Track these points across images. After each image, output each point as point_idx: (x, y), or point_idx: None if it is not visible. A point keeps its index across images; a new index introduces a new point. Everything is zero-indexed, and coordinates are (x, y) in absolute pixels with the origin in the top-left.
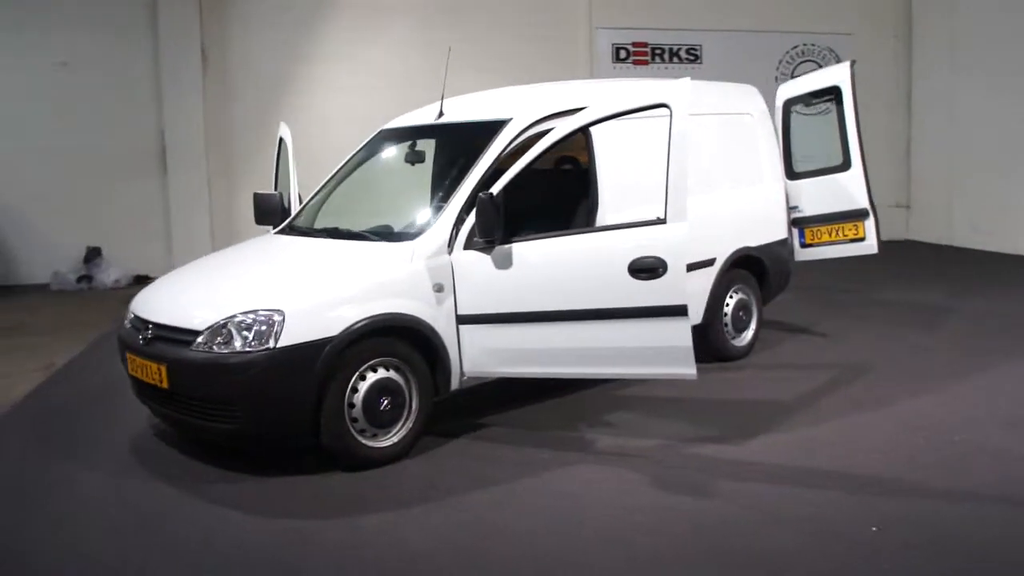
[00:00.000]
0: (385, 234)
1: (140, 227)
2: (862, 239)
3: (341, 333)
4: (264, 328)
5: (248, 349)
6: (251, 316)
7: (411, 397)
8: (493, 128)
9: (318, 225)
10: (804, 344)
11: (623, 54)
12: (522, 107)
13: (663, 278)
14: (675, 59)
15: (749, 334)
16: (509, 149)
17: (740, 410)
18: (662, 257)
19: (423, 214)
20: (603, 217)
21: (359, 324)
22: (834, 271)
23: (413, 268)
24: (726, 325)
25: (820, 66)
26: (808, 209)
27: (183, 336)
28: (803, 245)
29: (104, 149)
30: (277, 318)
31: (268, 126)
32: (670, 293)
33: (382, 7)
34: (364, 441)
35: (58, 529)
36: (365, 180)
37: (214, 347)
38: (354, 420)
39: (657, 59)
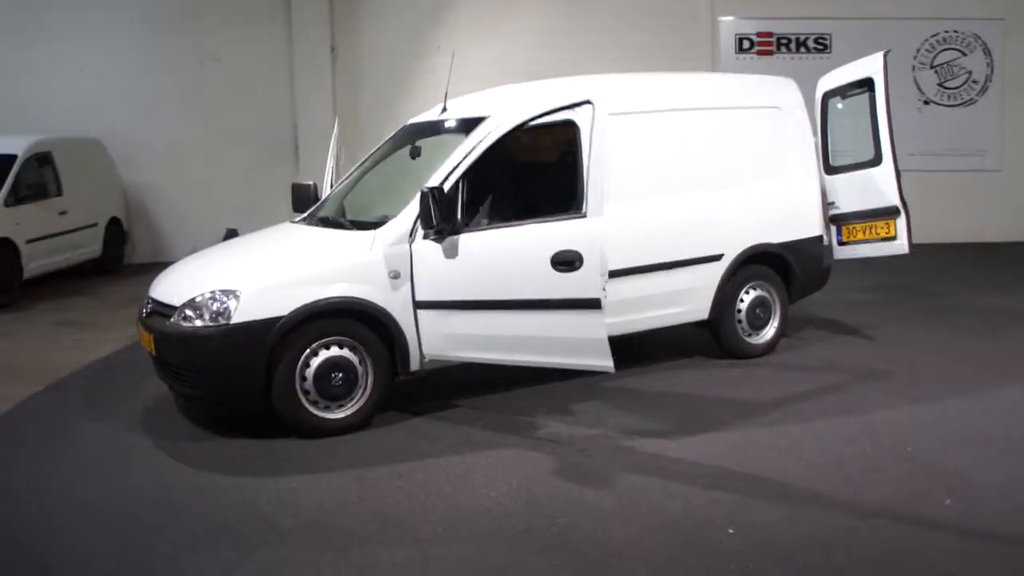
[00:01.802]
0: (362, 223)
1: (273, 210)
2: (893, 238)
3: (290, 313)
4: (222, 306)
5: (209, 324)
6: (214, 294)
7: (366, 374)
8: (471, 125)
9: (324, 214)
10: (841, 345)
11: (746, 44)
12: (502, 105)
13: (580, 271)
14: (802, 49)
15: (769, 332)
16: (488, 144)
17: (707, 407)
18: (578, 251)
19: (397, 205)
20: (590, 210)
21: (308, 305)
22: (936, 270)
23: (372, 255)
24: (740, 322)
25: (964, 55)
26: (844, 206)
27: (167, 311)
28: (840, 243)
29: (244, 138)
30: (234, 297)
31: (395, 116)
32: (585, 286)
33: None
34: (316, 412)
35: (47, 464)
36: (381, 172)
37: (184, 321)
38: (307, 392)
39: (783, 49)
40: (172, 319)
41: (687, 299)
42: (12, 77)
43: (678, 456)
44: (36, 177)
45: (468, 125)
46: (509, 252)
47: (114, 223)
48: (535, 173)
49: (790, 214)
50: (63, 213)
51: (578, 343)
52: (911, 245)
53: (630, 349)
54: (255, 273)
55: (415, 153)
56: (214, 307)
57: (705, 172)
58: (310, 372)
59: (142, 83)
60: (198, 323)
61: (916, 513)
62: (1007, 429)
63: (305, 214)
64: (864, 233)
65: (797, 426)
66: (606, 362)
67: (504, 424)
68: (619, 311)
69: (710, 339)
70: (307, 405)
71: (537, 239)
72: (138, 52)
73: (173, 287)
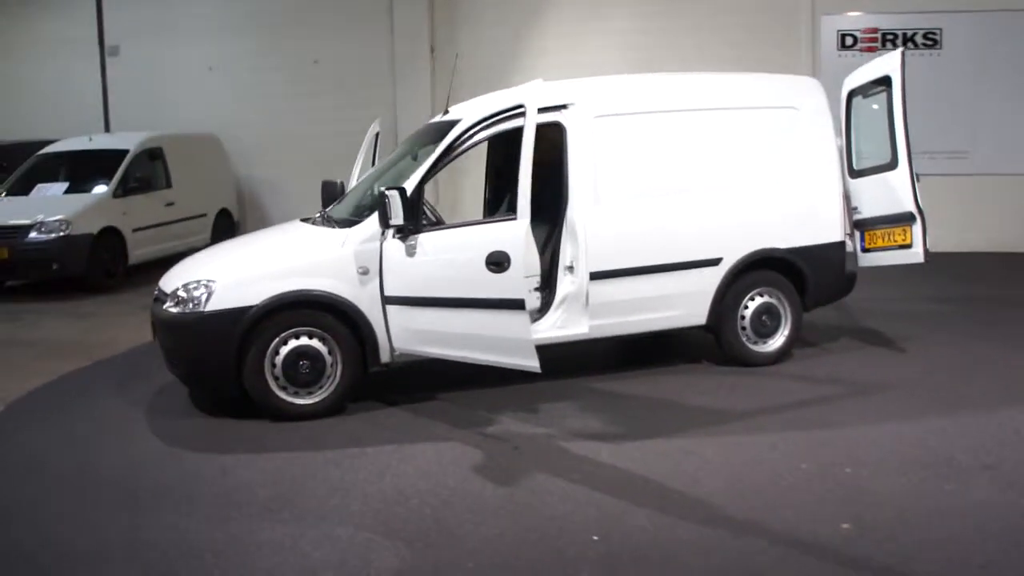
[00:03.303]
0: (348, 221)
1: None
2: (909, 246)
3: (260, 303)
4: (200, 294)
5: (187, 311)
6: (196, 284)
7: (335, 364)
8: (446, 128)
9: (331, 213)
10: (862, 357)
11: (849, 41)
12: (471, 110)
13: (507, 272)
14: (910, 45)
15: (779, 341)
16: (461, 147)
17: (673, 414)
18: (507, 252)
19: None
20: (572, 213)
21: (277, 296)
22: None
23: (343, 252)
24: (743, 329)
25: None
26: (866, 211)
27: (163, 298)
28: (863, 250)
29: (347, 135)
30: (209, 287)
31: None
32: (512, 287)
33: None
34: (285, 397)
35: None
36: (394, 173)
37: (170, 307)
38: (276, 378)
39: (888, 45)
40: (164, 305)
41: (681, 303)
42: (147, 76)
43: (606, 460)
44: (145, 171)
45: (443, 129)
46: (455, 252)
47: (224, 214)
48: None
49: (804, 218)
50: (170, 204)
51: (507, 343)
52: (927, 254)
53: (643, 351)
54: (234, 266)
55: (414, 156)
56: (193, 295)
57: (703, 175)
58: (279, 359)
59: (255, 82)
60: (179, 309)
61: (801, 535)
62: (973, 454)
63: (317, 213)
64: (883, 240)
65: (750, 438)
66: (532, 362)
67: (465, 419)
68: (604, 313)
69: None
70: (276, 390)
71: (477, 240)
72: (251, 53)
73: (172, 277)
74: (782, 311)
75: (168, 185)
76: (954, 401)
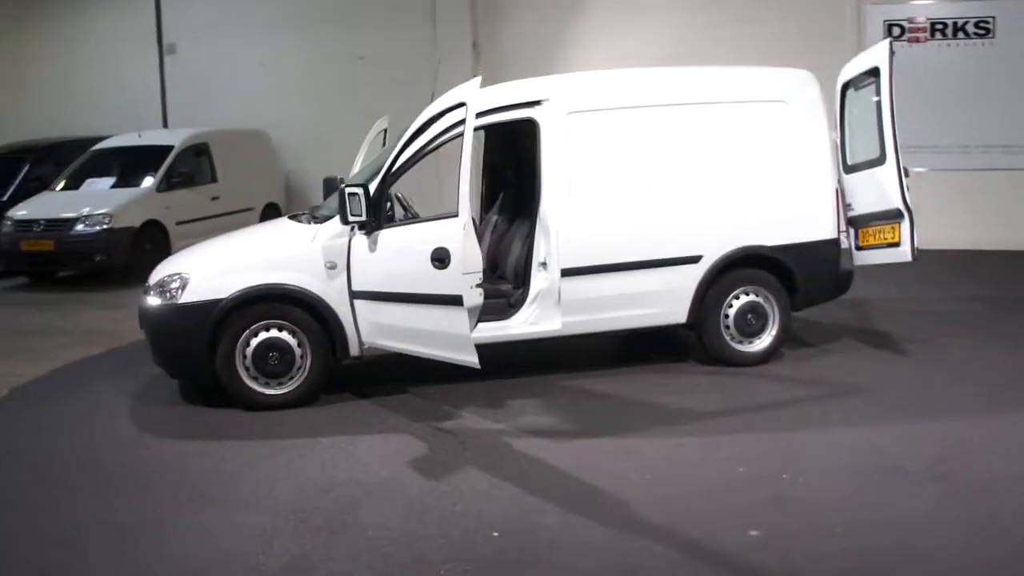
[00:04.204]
0: (324, 217)
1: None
2: (897, 244)
3: (230, 296)
4: (174, 287)
5: (164, 302)
6: (172, 277)
7: (304, 356)
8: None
9: (320, 210)
10: (857, 358)
11: (897, 31)
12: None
13: (448, 268)
14: (960, 35)
15: (766, 341)
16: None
17: (633, 413)
18: (448, 248)
19: None
20: (544, 209)
21: (246, 290)
22: None
23: (311, 247)
24: (727, 328)
25: None
26: (858, 207)
27: (148, 290)
28: (857, 247)
29: (391, 130)
30: (183, 280)
31: None
32: (451, 283)
33: None
34: (255, 387)
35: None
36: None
37: (148, 299)
38: (247, 369)
39: (938, 35)
40: (147, 297)
41: (658, 301)
42: (202, 73)
43: (545, 458)
44: (190, 166)
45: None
46: (407, 249)
47: (271, 208)
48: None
49: (794, 215)
50: (215, 198)
51: (448, 338)
52: (915, 253)
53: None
54: (209, 260)
55: None
56: (169, 287)
57: (682, 171)
58: (250, 351)
59: (304, 78)
60: (158, 301)
61: (704, 541)
62: (928, 463)
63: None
64: (874, 238)
65: (698, 439)
66: (471, 358)
67: (426, 412)
68: (577, 310)
69: None
70: (247, 380)
71: (425, 237)
72: (301, 49)
73: (158, 270)
74: (769, 310)
75: (213, 180)
76: (933, 407)
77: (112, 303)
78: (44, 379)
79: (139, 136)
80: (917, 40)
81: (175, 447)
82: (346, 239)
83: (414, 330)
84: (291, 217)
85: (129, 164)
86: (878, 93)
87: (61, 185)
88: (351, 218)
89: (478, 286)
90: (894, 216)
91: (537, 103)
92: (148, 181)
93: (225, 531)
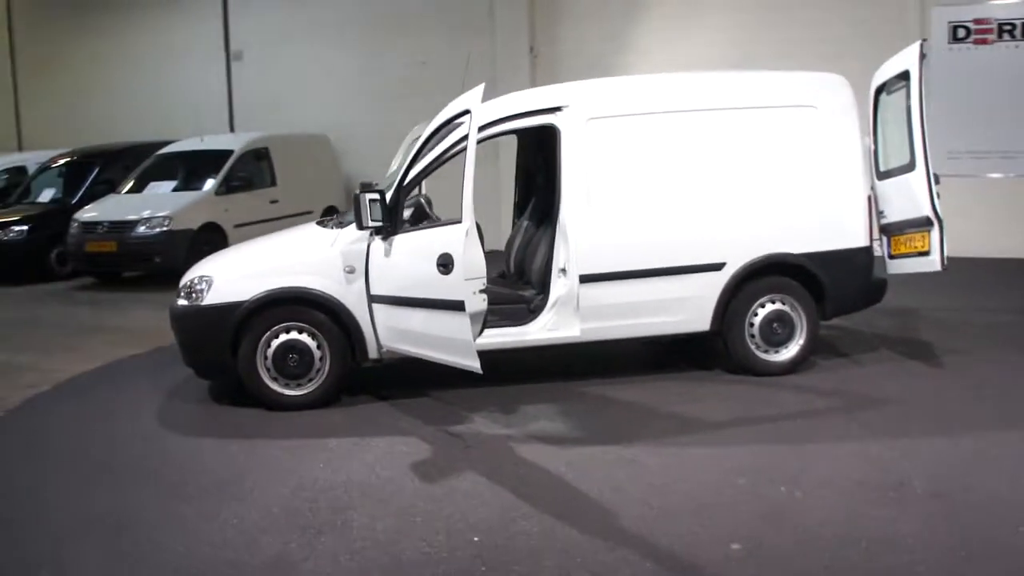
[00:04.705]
0: (343, 222)
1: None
2: (927, 253)
3: (251, 298)
4: (200, 289)
5: (190, 304)
6: (198, 279)
7: (323, 358)
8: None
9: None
10: (885, 371)
11: (961, 33)
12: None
13: (452, 274)
14: None
15: (792, 350)
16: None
17: (645, 421)
18: (451, 254)
19: None
20: (563, 215)
21: (267, 292)
22: None
23: (331, 251)
24: (752, 336)
25: None
26: (890, 215)
27: (179, 292)
28: (890, 256)
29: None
30: (208, 282)
31: None
32: (454, 288)
33: None
34: (276, 388)
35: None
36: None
37: (179, 301)
38: (268, 370)
39: (1005, 36)
40: (177, 299)
41: (679, 308)
42: (268, 78)
43: (545, 464)
44: (250, 170)
45: (433, 133)
46: (417, 253)
47: (331, 211)
48: (532, 176)
49: (823, 222)
50: (274, 202)
51: (452, 342)
52: (944, 261)
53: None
54: (234, 263)
55: None
56: (196, 289)
57: (705, 177)
58: (271, 352)
59: (367, 83)
60: (185, 302)
61: (683, 553)
62: (931, 481)
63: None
64: (905, 246)
65: (704, 450)
66: (473, 363)
67: (438, 416)
68: (597, 316)
69: None
70: (268, 381)
71: (432, 243)
72: (364, 55)
73: (189, 272)
74: (796, 319)
75: (273, 183)
76: (953, 423)
77: (166, 303)
78: (83, 377)
79: (201, 140)
80: (984, 42)
81: (191, 443)
82: (365, 244)
83: (424, 335)
84: (318, 222)
85: (191, 168)
86: (908, 97)
87: (126, 188)
88: (369, 223)
89: (481, 291)
90: (923, 224)
91: (557, 109)
92: (208, 184)
93: (214, 526)
